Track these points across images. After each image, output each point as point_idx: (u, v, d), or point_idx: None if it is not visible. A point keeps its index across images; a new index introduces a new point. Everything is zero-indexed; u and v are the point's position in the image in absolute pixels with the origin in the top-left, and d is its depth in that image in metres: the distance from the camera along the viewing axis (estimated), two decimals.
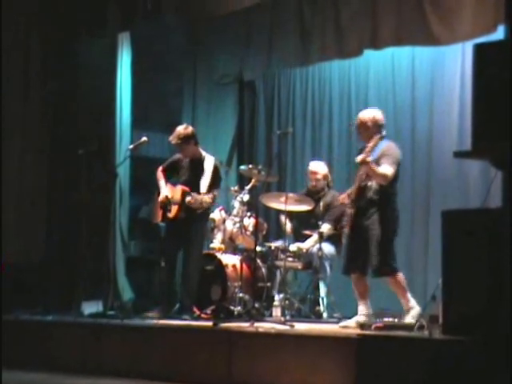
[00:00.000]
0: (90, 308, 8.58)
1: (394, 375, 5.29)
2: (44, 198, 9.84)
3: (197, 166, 8.12)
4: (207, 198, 7.83)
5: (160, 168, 8.31)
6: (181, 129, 8.09)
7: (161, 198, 8.09)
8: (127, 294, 9.28)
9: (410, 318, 6.71)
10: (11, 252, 9.35)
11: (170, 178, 8.25)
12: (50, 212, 9.83)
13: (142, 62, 9.99)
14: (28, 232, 9.67)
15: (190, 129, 8.14)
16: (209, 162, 8.13)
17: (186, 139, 8.04)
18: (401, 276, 6.94)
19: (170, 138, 8.08)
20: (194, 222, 8.02)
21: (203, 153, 8.24)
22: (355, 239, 7.02)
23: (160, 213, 8.13)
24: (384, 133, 6.98)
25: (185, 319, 7.66)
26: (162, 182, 8.19)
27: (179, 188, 8.06)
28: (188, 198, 7.82)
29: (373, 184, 6.91)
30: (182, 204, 7.95)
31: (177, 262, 8.28)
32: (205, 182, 7.99)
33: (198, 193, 7.89)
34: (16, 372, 7.10)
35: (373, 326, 6.19)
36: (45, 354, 7.59)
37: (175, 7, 8.75)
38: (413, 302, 6.86)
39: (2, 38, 9.38)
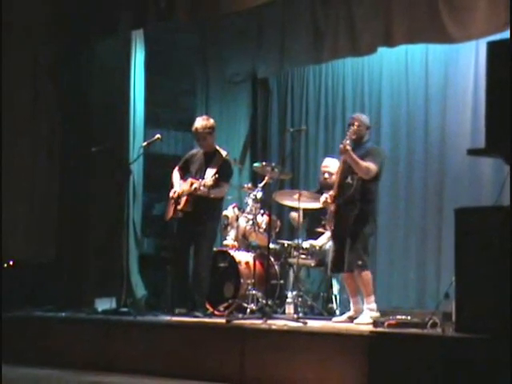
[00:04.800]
0: (104, 305, 8.61)
1: (406, 372, 5.29)
2: (56, 195, 9.87)
3: (210, 159, 8.14)
4: (208, 181, 7.81)
5: (176, 168, 8.36)
6: (205, 119, 8.21)
7: (171, 192, 8.13)
8: (140, 291, 9.29)
9: (363, 318, 7.03)
10: (24, 250, 9.39)
11: (186, 175, 8.27)
12: (62, 209, 9.85)
13: (155, 60, 10.01)
14: (40, 229, 9.70)
15: (212, 120, 8.23)
16: (220, 156, 8.15)
17: (212, 130, 8.15)
18: (369, 274, 7.22)
19: (198, 127, 8.09)
20: (203, 221, 8.01)
21: (217, 147, 8.28)
22: (338, 237, 7.32)
23: (171, 209, 8.16)
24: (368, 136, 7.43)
25: (197, 316, 7.67)
26: (176, 179, 8.23)
27: (188, 180, 8.09)
28: (194, 185, 7.86)
29: (354, 182, 7.16)
30: (190, 195, 7.97)
31: (188, 259, 8.27)
32: (211, 171, 7.98)
33: None
34: (26, 368, 7.14)
35: (386, 323, 6.19)
36: (57, 350, 7.61)
37: (188, 5, 8.75)
38: (372, 306, 7.12)
39: (2, 37, 9.40)
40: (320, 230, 8.35)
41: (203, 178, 7.89)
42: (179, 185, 8.16)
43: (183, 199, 8.02)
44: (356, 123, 7.22)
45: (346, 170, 7.22)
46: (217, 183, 7.85)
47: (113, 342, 7.30)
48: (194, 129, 8.13)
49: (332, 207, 7.34)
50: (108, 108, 9.76)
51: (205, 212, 8.00)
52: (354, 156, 7.08)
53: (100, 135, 9.52)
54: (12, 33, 9.53)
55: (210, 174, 7.90)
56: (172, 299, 8.38)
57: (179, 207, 8.04)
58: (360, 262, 7.09)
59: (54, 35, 9.90)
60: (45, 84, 9.88)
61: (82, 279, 9.45)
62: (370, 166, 7.11)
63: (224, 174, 8.02)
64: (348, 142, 7.05)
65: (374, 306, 7.13)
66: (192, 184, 7.92)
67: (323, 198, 7.60)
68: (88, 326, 7.64)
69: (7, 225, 9.06)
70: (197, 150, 8.38)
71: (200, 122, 8.12)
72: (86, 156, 9.10)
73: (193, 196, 7.93)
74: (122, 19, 9.29)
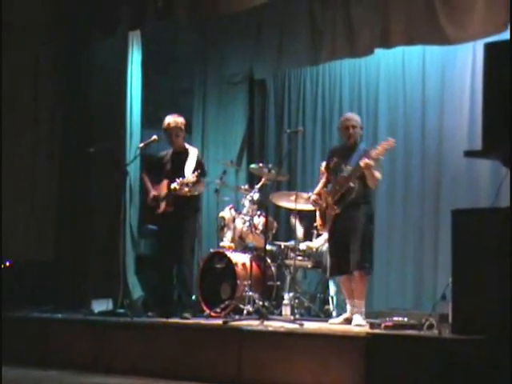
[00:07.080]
0: (100, 306, 8.60)
1: (403, 373, 5.30)
2: (56, 195, 9.86)
3: (180, 157, 8.09)
4: (191, 178, 7.78)
5: (143, 172, 8.39)
6: (176, 116, 8.13)
7: (149, 197, 8.10)
8: (137, 292, 9.28)
9: (360, 320, 7.01)
10: (23, 250, 9.38)
11: (156, 177, 8.23)
12: (60, 210, 9.84)
13: (153, 60, 10.00)
14: (40, 229, 9.69)
15: (183, 118, 8.19)
16: (193, 153, 8.12)
17: (184, 127, 8.12)
18: (368, 278, 7.27)
19: (171, 122, 8.03)
20: (184, 218, 7.98)
21: (187, 145, 8.26)
22: (341, 240, 7.25)
23: (151, 213, 8.14)
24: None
25: (185, 318, 7.61)
26: (147, 184, 8.21)
27: (164, 183, 8.05)
28: (173, 186, 7.81)
29: (355, 186, 7.17)
30: (168, 197, 7.94)
31: (173, 260, 8.17)
32: (188, 168, 7.94)
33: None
34: (26, 369, 7.12)
35: (382, 325, 6.19)
36: (54, 351, 7.61)
37: (186, 6, 8.75)
38: (363, 309, 7.15)
39: (2, 37, 9.39)
40: (315, 231, 8.35)
41: (181, 178, 7.84)
42: (154, 189, 8.11)
43: (162, 203, 7.99)
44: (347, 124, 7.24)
45: (353, 176, 7.22)
46: (198, 179, 7.85)
47: (110, 343, 7.29)
48: (165, 125, 8.05)
49: (335, 212, 7.29)
50: (107, 108, 9.76)
51: (185, 210, 7.96)
52: (374, 172, 7.14)
53: (100, 135, 9.52)
54: (12, 33, 9.51)
55: (190, 170, 7.89)
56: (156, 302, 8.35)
57: (160, 210, 8.01)
58: (367, 265, 7.11)
59: (54, 35, 9.89)
60: (45, 84, 9.87)
61: (82, 279, 9.44)
62: (379, 177, 7.22)
63: (202, 171, 7.99)
64: (372, 162, 7.03)
65: (363, 310, 7.17)
66: (168, 185, 7.89)
67: (311, 199, 7.61)
68: (86, 328, 7.62)
69: (7, 225, 9.05)
70: (165, 152, 8.30)
71: (173, 118, 8.07)
72: (85, 156, 9.10)
73: (172, 197, 7.89)
74: (121, 19, 9.29)
